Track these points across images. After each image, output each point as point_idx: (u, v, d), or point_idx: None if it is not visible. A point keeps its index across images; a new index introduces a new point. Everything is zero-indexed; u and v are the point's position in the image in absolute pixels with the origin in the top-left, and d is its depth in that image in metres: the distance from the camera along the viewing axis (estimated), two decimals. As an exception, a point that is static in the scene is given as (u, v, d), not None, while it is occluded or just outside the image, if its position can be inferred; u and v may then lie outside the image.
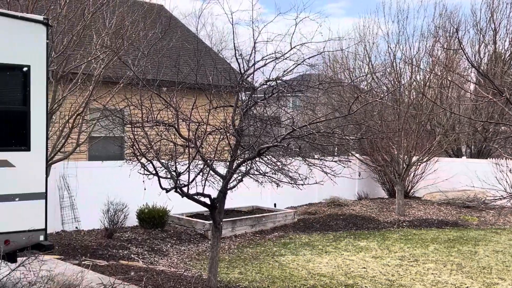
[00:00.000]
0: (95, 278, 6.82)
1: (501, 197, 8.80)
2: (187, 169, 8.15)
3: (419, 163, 19.91)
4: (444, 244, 14.20)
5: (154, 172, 8.30)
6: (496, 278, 10.83)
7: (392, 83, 20.37)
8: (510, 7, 23.05)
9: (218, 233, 8.84)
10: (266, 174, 8.78)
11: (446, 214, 18.67)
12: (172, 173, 8.20)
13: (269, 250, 13.08)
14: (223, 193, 8.67)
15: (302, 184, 8.50)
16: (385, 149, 19.07)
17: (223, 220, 9.29)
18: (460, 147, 24.71)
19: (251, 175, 8.85)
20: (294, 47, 8.23)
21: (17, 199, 7.04)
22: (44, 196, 7.29)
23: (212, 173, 8.58)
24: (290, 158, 8.86)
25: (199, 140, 8.34)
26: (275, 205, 17.71)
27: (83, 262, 9.57)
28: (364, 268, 11.50)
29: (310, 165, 8.60)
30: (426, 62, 20.72)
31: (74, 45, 11.30)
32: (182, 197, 8.35)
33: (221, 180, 8.68)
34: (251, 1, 8.36)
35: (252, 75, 8.69)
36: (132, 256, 11.38)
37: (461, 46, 18.10)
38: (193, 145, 8.18)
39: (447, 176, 20.44)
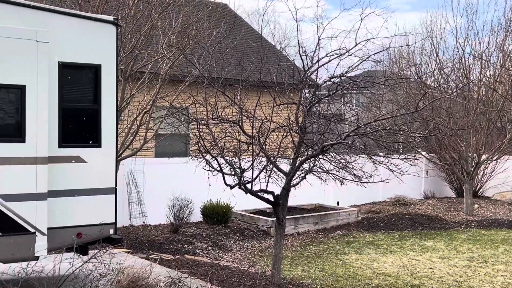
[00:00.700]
0: (162, 272, 6.99)
1: None
2: (251, 166, 8.23)
3: (488, 162, 19.21)
4: (516, 246, 13.66)
5: (218, 168, 8.43)
6: None
7: (461, 79, 19.74)
8: None
9: (281, 230, 8.86)
10: (330, 172, 8.73)
11: (518, 215, 17.94)
12: (236, 169, 8.30)
13: (332, 248, 12.99)
14: (286, 190, 8.69)
15: (367, 182, 8.39)
16: (453, 147, 18.52)
17: (286, 217, 9.30)
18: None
19: (314, 173, 8.82)
20: (359, 43, 8.14)
21: (88, 194, 7.32)
22: (114, 191, 7.54)
23: (276, 170, 8.62)
24: (355, 156, 8.77)
25: (263, 137, 8.39)
26: (338, 203, 17.56)
27: (150, 256, 9.84)
28: (430, 268, 11.23)
29: (376, 163, 8.48)
30: (496, 57, 19.93)
31: (142, 45, 11.61)
32: (246, 193, 8.43)
33: (284, 177, 8.70)
34: (315, -2, 8.33)
35: (316, 72, 8.67)
36: (197, 251, 11.59)
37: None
38: (256, 142, 8.25)
39: (519, 175, 19.64)
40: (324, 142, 8.12)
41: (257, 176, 8.32)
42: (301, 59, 8.46)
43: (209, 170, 8.57)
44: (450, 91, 17.93)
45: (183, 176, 13.09)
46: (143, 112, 11.80)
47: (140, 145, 12.09)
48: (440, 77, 20.66)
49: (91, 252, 6.69)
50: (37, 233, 6.65)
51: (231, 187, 8.34)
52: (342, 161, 8.56)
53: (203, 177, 9.24)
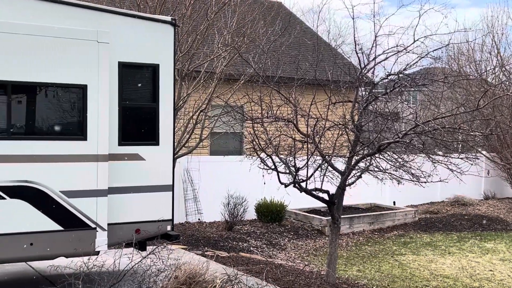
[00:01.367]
0: (218, 268, 7.06)
1: None
2: (306, 165, 8.20)
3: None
4: None
5: (273, 167, 8.44)
6: None
7: (524, 75, 19.02)
8: None
9: (336, 229, 8.79)
10: (387, 171, 8.59)
11: None
12: (291, 168, 8.29)
13: (388, 248, 12.79)
14: (341, 189, 8.61)
15: (425, 182, 8.21)
16: (515, 146, 17.88)
17: (341, 216, 9.22)
18: None
19: (370, 172, 8.70)
20: (417, 40, 7.97)
21: (147, 191, 7.47)
22: (171, 188, 7.67)
23: (331, 168, 8.56)
24: (412, 155, 8.59)
25: (318, 136, 8.34)
26: (394, 203, 17.26)
27: (206, 253, 9.96)
28: (491, 271, 10.88)
29: (434, 162, 8.28)
30: (563, 53, 19.08)
31: (198, 44, 11.76)
32: (301, 192, 8.41)
33: (340, 176, 8.62)
34: (372, -6, 8.21)
35: (372, 69, 8.54)
36: (252, 249, 11.65)
37: None
38: (311, 141, 8.21)
39: None
40: (381, 141, 8.00)
41: (312, 174, 8.28)
42: (357, 56, 8.36)
43: (263, 168, 8.59)
44: (512, 88, 17.29)
45: (238, 174, 13.19)
46: (198, 111, 11.96)
47: (195, 143, 12.26)
48: (501, 74, 19.98)
49: (149, 248, 6.83)
50: (97, 229, 6.84)
51: (286, 185, 8.34)
52: (400, 160, 8.41)
53: (257, 175, 9.29)
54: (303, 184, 8.26)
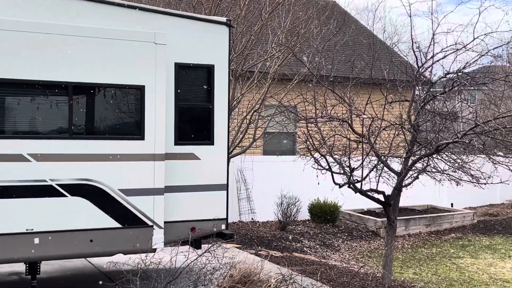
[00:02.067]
0: (273, 268, 7.07)
1: None
2: (361, 165, 8.10)
3: None
4: None
5: (327, 167, 8.38)
6: None
7: None
8: None
9: (392, 231, 8.65)
10: (445, 172, 8.38)
11: None
12: (346, 168, 8.21)
13: (446, 251, 12.47)
14: (397, 190, 8.47)
15: (485, 183, 7.96)
16: None
17: (397, 218, 9.06)
18: None
19: (428, 173, 8.51)
20: (477, 38, 7.74)
21: (202, 190, 7.56)
22: (225, 187, 7.73)
23: (386, 169, 8.42)
24: (472, 155, 8.35)
25: (373, 136, 8.23)
26: (452, 205, 16.82)
27: (259, 252, 9.99)
28: (555, 277, 10.45)
29: (495, 163, 8.02)
30: None
31: (252, 45, 11.80)
32: (355, 193, 8.32)
33: (396, 177, 8.48)
34: (430, -9, 8.03)
35: (430, 68, 8.36)
36: (305, 249, 11.61)
37: None
38: (366, 141, 8.11)
39: None
40: (439, 141, 7.81)
41: (367, 175, 8.18)
42: (414, 55, 8.20)
43: (317, 168, 8.55)
44: None
45: (291, 174, 13.16)
46: (252, 111, 12.00)
47: (249, 143, 12.31)
48: None
49: (204, 246, 6.90)
50: (154, 227, 6.97)
51: (340, 186, 8.27)
52: (458, 161, 8.19)
53: (311, 175, 9.24)
54: (358, 185, 8.16)
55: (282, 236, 12.22)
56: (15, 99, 6.41)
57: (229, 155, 11.35)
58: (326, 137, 8.51)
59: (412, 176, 8.49)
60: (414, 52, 8.17)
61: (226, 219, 7.68)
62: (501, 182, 8.21)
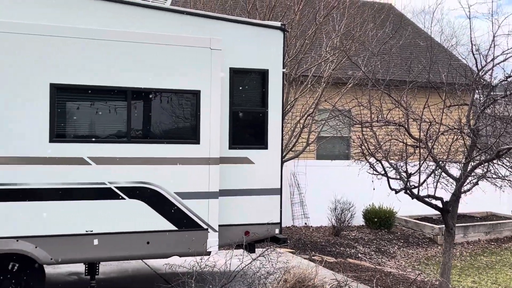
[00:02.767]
0: (327, 274, 7.01)
1: None
2: (418, 170, 7.93)
3: None
4: None
5: (383, 172, 8.24)
6: None
7: None
8: None
9: (450, 238, 8.42)
10: (506, 178, 8.09)
11: None
12: (402, 174, 8.05)
13: (506, 260, 12.03)
14: (456, 196, 8.23)
15: (550, 190, 7.63)
16: None
17: (455, 225, 8.81)
18: None
19: (488, 179, 8.24)
20: (541, 39, 7.44)
21: (256, 194, 7.58)
22: (279, 192, 7.72)
23: (445, 175, 8.20)
24: (536, 161, 8.04)
25: (431, 140, 8.04)
26: (512, 212, 16.23)
27: (313, 257, 9.93)
28: None
29: (561, 169, 7.69)
30: None
31: (306, 49, 11.77)
32: (412, 198, 8.14)
33: (454, 183, 8.25)
34: (490, -8, 7.79)
35: (490, 71, 8.10)
36: (359, 255, 11.45)
37: None
38: (424, 146, 7.93)
39: None
40: (500, 146, 7.54)
41: (425, 181, 7.99)
42: (474, 58, 7.96)
43: (373, 173, 8.41)
44: None
45: (345, 178, 13.02)
46: (306, 115, 11.95)
47: (302, 147, 12.27)
48: None
49: (258, 250, 6.92)
50: (209, 230, 7.04)
51: (396, 191, 8.11)
52: (521, 166, 7.89)
53: (365, 181, 9.11)
54: (415, 191, 7.99)
55: (336, 242, 12.11)
56: (76, 104, 6.62)
57: (283, 160, 11.36)
58: (381, 141, 8.37)
59: (471, 182, 8.23)
60: (473, 54, 7.94)
61: (280, 223, 7.67)
62: None
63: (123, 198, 6.65)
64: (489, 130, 8.25)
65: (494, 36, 7.83)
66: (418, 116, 8.19)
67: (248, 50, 7.55)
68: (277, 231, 7.62)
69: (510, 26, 8.02)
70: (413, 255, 12.20)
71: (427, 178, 7.99)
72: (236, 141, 7.50)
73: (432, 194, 8.04)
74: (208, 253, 6.98)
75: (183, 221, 6.94)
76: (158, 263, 8.21)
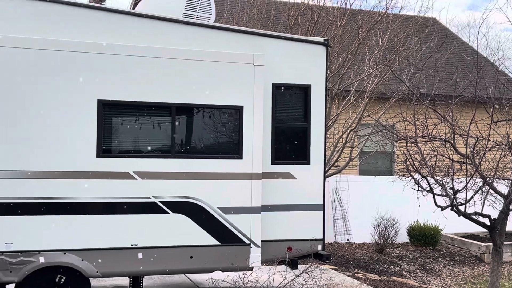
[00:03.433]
0: (370, 292, 6.90)
1: None
2: (465, 187, 7.75)
3: None
4: None
5: (428, 189, 8.09)
6: None
7: None
8: None
9: (498, 256, 8.17)
10: (557, 195, 7.81)
11: None
12: (448, 190, 7.88)
13: (559, 281, 11.58)
14: (504, 214, 8.00)
15: None
16: None
17: (504, 243, 8.54)
18: None
19: (538, 196, 7.98)
20: None
21: (298, 209, 7.55)
22: (322, 207, 7.66)
23: (492, 192, 7.99)
24: None
25: (478, 157, 7.86)
26: None
27: (356, 274, 9.79)
28: None
29: None
30: None
31: (348, 64, 11.71)
32: (459, 216, 7.96)
33: (503, 200, 8.02)
34: (539, 4, 7.60)
35: (540, 85, 7.88)
36: (404, 273, 11.22)
37: None
38: (471, 162, 7.75)
39: None
40: (551, 163, 7.31)
41: (472, 198, 7.80)
42: (523, 71, 7.76)
43: (418, 190, 8.26)
44: None
45: (388, 194, 12.82)
46: (348, 130, 11.87)
47: (345, 163, 12.17)
48: None
49: (300, 267, 6.87)
50: (251, 245, 7.03)
51: (442, 208, 7.94)
52: None
53: (410, 197, 8.95)
54: (462, 208, 7.80)
55: (379, 259, 11.91)
56: (122, 120, 6.76)
57: (325, 175, 11.29)
58: (427, 157, 8.22)
59: (520, 199, 7.99)
60: (522, 68, 7.75)
61: (323, 239, 7.60)
62: None
63: (167, 213, 6.72)
64: (539, 146, 8.01)
65: (543, 50, 7.63)
66: (464, 132, 8.02)
67: (291, 65, 7.57)
68: (320, 247, 7.55)
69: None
70: (459, 273, 11.88)
71: (474, 195, 7.81)
72: (278, 156, 7.51)
73: (479, 211, 7.84)
74: (251, 269, 6.98)
75: (226, 236, 6.97)
76: (201, 278, 8.25)
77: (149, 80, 6.74)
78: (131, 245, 6.57)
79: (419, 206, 9.09)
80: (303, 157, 7.66)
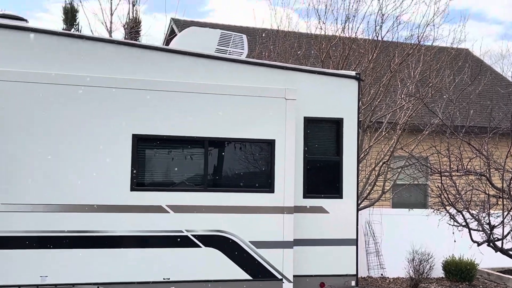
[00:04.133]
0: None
1: None
2: (501, 222, 7.59)
3: None
4: None
5: (464, 223, 7.94)
6: None
7: None
8: None
9: (539, 295, 7.92)
10: None
11: None
12: (485, 225, 7.73)
13: None
14: (544, 250, 7.78)
15: None
16: None
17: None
18: None
19: None
20: None
21: (330, 244, 7.47)
22: (355, 242, 7.57)
23: (531, 227, 7.80)
24: None
25: (515, 191, 7.70)
26: None
27: (390, 311, 9.56)
28: None
29: None
30: None
31: (381, 96, 11.68)
32: (496, 251, 7.79)
33: (542, 236, 7.81)
34: None
35: None
36: (439, 309, 10.93)
37: None
38: (507, 196, 7.60)
39: None
40: None
41: (509, 233, 7.62)
42: (560, 104, 7.63)
43: (453, 225, 8.12)
44: None
45: (423, 228, 12.55)
46: (381, 163, 11.76)
47: (378, 195, 12.03)
48: None
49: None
50: (284, 280, 6.97)
51: (479, 244, 7.79)
52: None
53: (445, 231, 8.81)
54: (499, 243, 7.63)
55: (414, 294, 11.63)
56: (156, 154, 6.85)
57: (358, 208, 11.16)
58: (462, 191, 8.10)
59: (561, 235, 7.78)
60: (559, 101, 7.62)
61: (356, 275, 7.49)
62: None
63: (199, 246, 6.74)
64: None
65: None
66: (500, 166, 7.88)
67: (322, 99, 7.60)
68: (353, 283, 7.44)
69: None
70: (498, 311, 11.51)
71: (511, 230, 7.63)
72: (310, 190, 7.47)
73: (518, 247, 7.65)
74: (283, 304, 6.91)
75: (257, 271, 6.92)
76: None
77: (182, 114, 6.84)
78: (164, 278, 6.58)
79: (455, 241, 8.91)
80: (335, 191, 7.61)
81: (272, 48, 13.19)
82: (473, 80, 12.39)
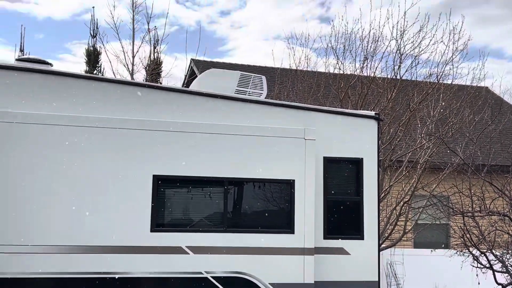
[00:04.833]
0: None
1: None
2: (527, 264, 7.42)
3: None
4: None
5: (487, 265, 7.77)
6: None
7: None
8: None
9: None
10: None
11: None
12: (509, 267, 7.55)
13: None
14: None
15: None
16: None
17: None
18: None
19: None
20: None
21: (351, 286, 7.34)
22: (377, 285, 7.42)
23: (558, 269, 7.60)
24: None
25: (540, 232, 7.55)
26: None
27: None
28: None
29: None
30: None
31: (400, 135, 11.64)
32: (522, 294, 7.57)
33: None
34: None
35: None
36: None
37: None
38: (532, 237, 7.44)
39: None
40: None
41: (535, 275, 7.44)
42: None
43: (477, 266, 7.96)
44: None
45: (446, 269, 12.33)
46: (402, 202, 11.63)
47: (399, 235, 11.86)
48: None
49: None
50: (304, 323, 6.85)
51: (503, 286, 7.60)
52: None
53: (468, 272, 8.62)
54: (525, 286, 7.44)
55: (438, 338, 11.33)
56: (175, 195, 6.87)
57: (379, 249, 11.00)
58: (485, 232, 7.96)
59: None
60: None
61: (379, 319, 7.33)
62: None
63: (218, 288, 6.67)
64: None
65: None
66: (524, 206, 7.76)
67: (342, 139, 7.58)
68: (375, 327, 7.27)
69: None
70: None
71: (538, 272, 7.44)
72: (331, 231, 7.39)
73: (545, 290, 7.44)
74: None
75: (278, 314, 6.81)
76: None
77: (203, 155, 6.88)
78: (183, 321, 6.50)
79: (479, 283, 8.72)
80: (356, 232, 7.52)
81: (291, 89, 13.30)
82: (493, 119, 12.31)
